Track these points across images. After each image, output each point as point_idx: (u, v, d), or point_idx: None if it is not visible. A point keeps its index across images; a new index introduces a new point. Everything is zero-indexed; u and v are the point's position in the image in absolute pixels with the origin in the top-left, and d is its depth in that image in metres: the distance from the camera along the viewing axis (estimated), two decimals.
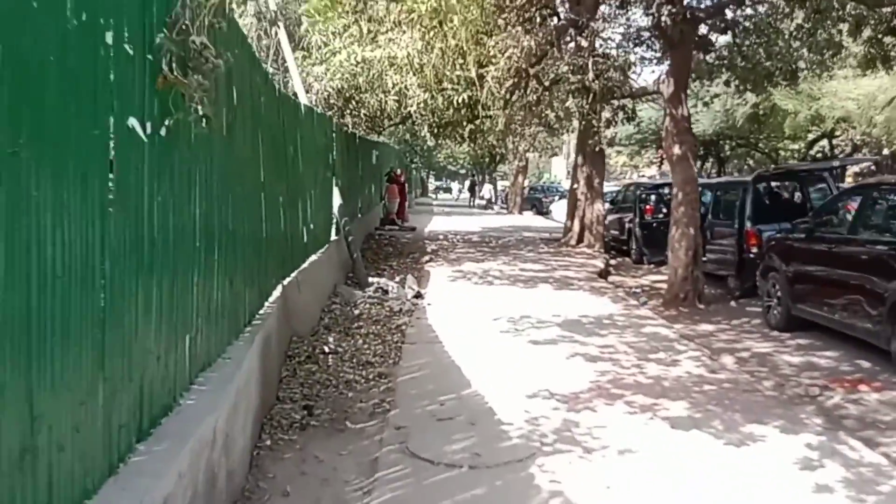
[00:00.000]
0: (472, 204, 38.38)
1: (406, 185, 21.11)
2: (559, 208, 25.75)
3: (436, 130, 14.00)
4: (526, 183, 32.06)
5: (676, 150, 10.05)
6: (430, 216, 26.09)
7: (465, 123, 14.14)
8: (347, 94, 11.76)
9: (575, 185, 15.98)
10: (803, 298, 7.79)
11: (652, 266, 14.15)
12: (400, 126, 18.33)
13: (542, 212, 29.51)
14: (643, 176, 52.25)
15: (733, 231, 10.61)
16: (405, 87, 9.62)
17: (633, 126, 19.46)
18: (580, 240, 15.79)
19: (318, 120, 8.86)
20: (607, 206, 16.52)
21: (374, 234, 16.73)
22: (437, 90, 8.68)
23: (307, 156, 7.87)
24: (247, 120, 4.59)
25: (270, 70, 9.14)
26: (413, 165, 43.39)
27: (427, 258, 13.58)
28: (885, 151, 33.25)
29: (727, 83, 19.28)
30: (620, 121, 14.17)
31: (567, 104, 12.20)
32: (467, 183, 42.78)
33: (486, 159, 41.53)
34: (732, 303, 10.40)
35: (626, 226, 15.71)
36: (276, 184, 6.04)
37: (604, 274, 12.75)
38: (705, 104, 26.76)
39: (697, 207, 10.24)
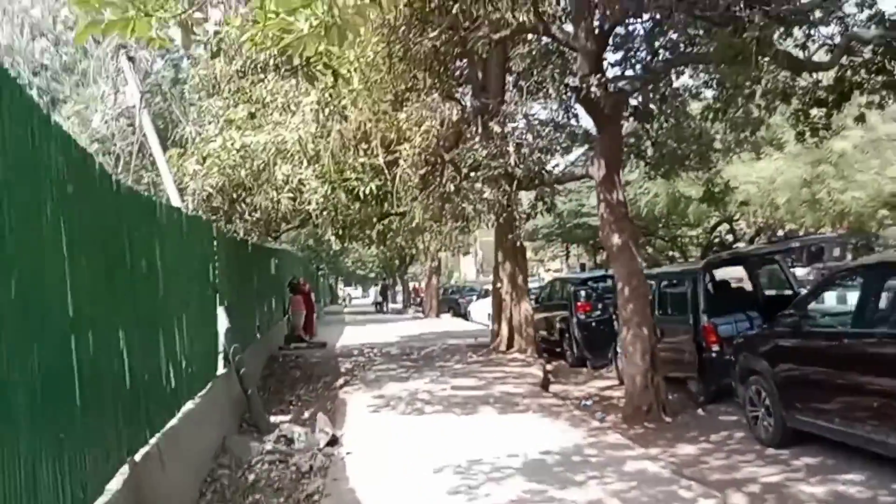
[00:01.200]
0: (385, 309, 36.55)
1: (311, 294, 19.15)
2: (478, 309, 24.40)
3: (340, 232, 12.45)
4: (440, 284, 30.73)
5: (616, 239, 8.84)
6: (341, 326, 24.02)
7: (373, 221, 12.65)
8: (232, 194, 10.02)
9: (498, 285, 14.63)
10: (802, 408, 6.44)
11: (592, 371, 12.75)
12: (300, 230, 16.55)
13: (460, 314, 28.08)
14: (549, 270, 52.44)
15: (687, 327, 9.36)
16: (299, 180, 8.02)
17: (551, 217, 18.63)
18: (510, 344, 14.26)
19: (191, 225, 7.06)
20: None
21: (277, 355, 14.56)
22: (338, 182, 7.15)
23: (173, 271, 6.00)
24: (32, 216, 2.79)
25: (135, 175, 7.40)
26: (320, 272, 41.38)
27: (341, 381, 11.58)
28: (781, 232, 34.56)
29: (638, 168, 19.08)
30: (540, 212, 13.12)
31: (486, 195, 10.95)
32: (374, 289, 41.16)
33: (396, 261, 40.26)
34: (700, 411, 9.01)
35: (557, 325, 14.38)
36: (113, 314, 4.16)
37: (545, 384, 11.18)
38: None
39: (647, 303, 8.98)
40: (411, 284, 41.18)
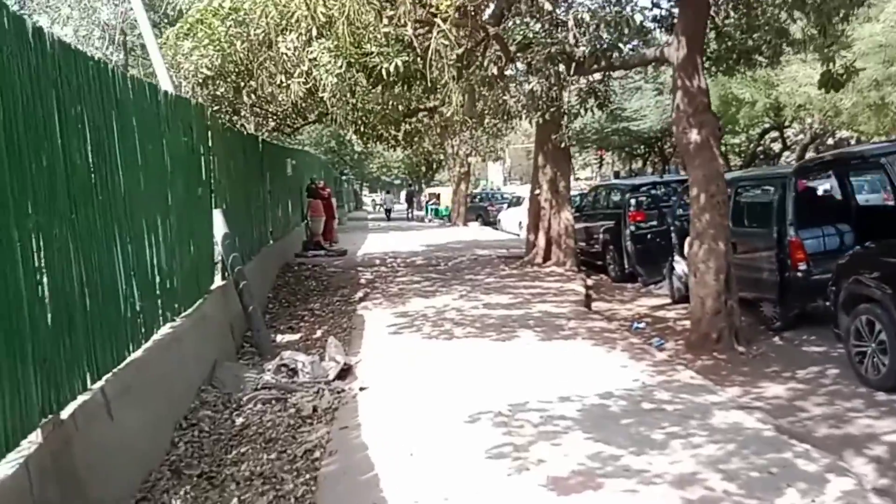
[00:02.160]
0: (409, 216, 35.31)
1: (332, 199, 17.84)
2: (509, 218, 22.99)
3: (362, 129, 10.97)
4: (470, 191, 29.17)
5: (693, 135, 7.28)
6: (363, 233, 22.82)
7: (399, 118, 11.13)
8: (234, 77, 8.50)
9: (536, 191, 13.13)
10: None
11: (639, 287, 11.42)
12: (317, 126, 14.89)
13: (489, 222, 26.68)
14: (578, 179, 50.28)
15: (767, 241, 7.89)
16: (310, 59, 6.48)
17: (593, 117, 16.79)
18: (547, 256, 12.92)
19: (174, 108, 5.64)
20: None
21: (293, 263, 13.42)
22: (356, 57, 5.62)
23: (141, 164, 4.66)
24: None
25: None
26: (344, 177, 40.02)
27: (360, 294, 10.40)
28: (830, 141, 32.09)
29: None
30: (591, 107, 11.42)
31: (532, 85, 9.29)
32: (403, 193, 39.79)
33: (423, 167, 38.69)
34: (776, 339, 7.70)
35: (601, 237, 12.96)
36: (22, 216, 2.86)
37: (587, 302, 9.91)
38: (659, 92, 24.52)
39: (727, 213, 7.49)
40: (426, 192, 39.62)
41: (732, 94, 26.35)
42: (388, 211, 36.75)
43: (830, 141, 33.98)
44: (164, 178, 5.36)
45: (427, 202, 36.14)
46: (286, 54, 7.00)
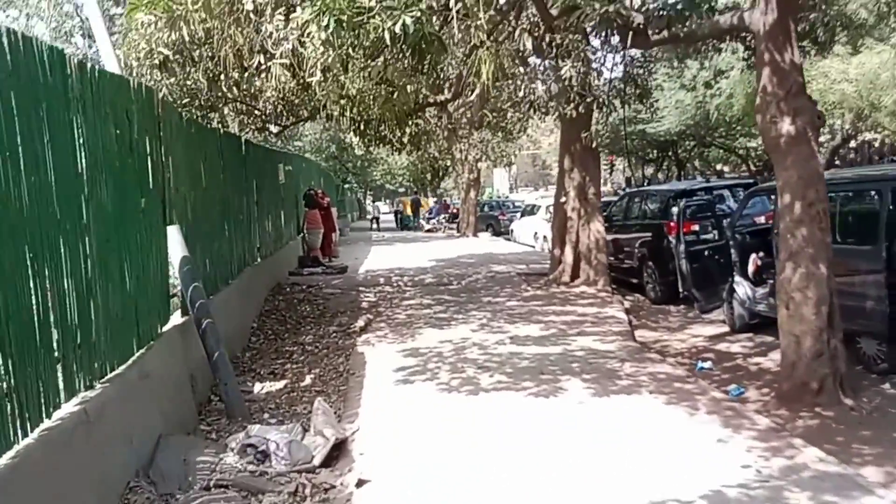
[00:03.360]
0: (415, 225, 33.70)
1: (331, 209, 16.22)
2: (523, 228, 21.33)
3: (361, 127, 9.42)
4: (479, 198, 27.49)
5: (786, 125, 5.68)
6: (367, 246, 21.20)
7: (404, 114, 9.51)
8: (210, 67, 6.91)
9: (562, 199, 11.49)
10: None
11: (685, 311, 9.78)
12: (314, 129, 13.13)
13: (500, 232, 25.05)
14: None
15: (872, 262, 6.25)
16: (292, 25, 4.89)
17: (618, 117, 15.14)
18: (575, 274, 11.27)
19: (92, 85, 4.02)
20: None
21: (285, 283, 11.79)
22: (348, 13, 4.02)
23: (26, 163, 3.06)
24: None
25: None
26: (346, 185, 38.45)
27: (361, 323, 8.77)
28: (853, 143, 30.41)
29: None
30: (629, 99, 9.82)
31: (564, 69, 7.67)
32: (406, 202, 38.21)
33: (428, 174, 37.13)
34: (886, 385, 6.08)
35: (636, 251, 11.33)
36: None
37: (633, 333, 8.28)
38: (685, 88, 22.81)
39: (828, 227, 5.85)
40: (431, 200, 37.95)
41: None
42: (375, 219, 35.49)
43: (852, 143, 32.32)
44: (76, 184, 3.75)
45: (395, 209, 35.89)
46: (264, 26, 5.40)
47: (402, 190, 46.91)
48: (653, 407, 5.09)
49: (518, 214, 23.38)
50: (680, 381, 5.76)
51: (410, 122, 13.09)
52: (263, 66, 6.30)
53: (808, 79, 24.19)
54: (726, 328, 8.58)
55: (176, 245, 5.46)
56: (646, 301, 10.95)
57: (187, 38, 5.87)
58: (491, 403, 5.25)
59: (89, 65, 4.11)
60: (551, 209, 19.49)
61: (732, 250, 8.43)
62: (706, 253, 8.54)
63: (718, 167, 42.30)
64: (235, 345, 7.50)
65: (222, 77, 7.80)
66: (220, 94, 8.18)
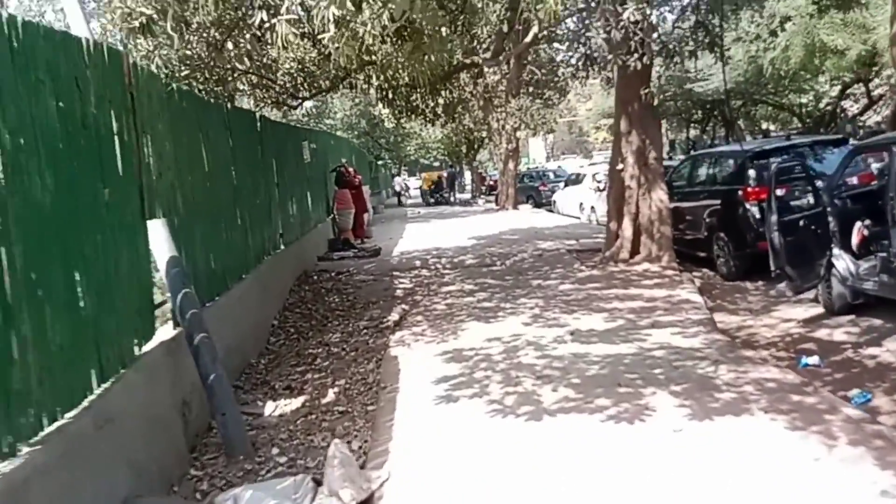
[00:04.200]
0: (452, 200, 32.53)
1: (362, 187, 15.12)
2: (567, 199, 19.98)
3: (390, 97, 8.32)
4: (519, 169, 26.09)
5: None
6: (401, 224, 20.12)
7: (439, 77, 8.34)
8: (210, 34, 5.81)
9: (619, 166, 10.15)
10: None
11: (767, 289, 8.48)
12: (343, 102, 11.82)
13: (541, 204, 23.70)
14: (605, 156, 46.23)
15: None
16: None
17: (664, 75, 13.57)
18: (635, 250, 9.99)
19: (12, 42, 2.96)
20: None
21: (313, 270, 10.76)
22: None
23: None
24: None
25: None
26: (380, 162, 37.35)
27: (395, 316, 7.69)
28: None
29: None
30: (699, 46, 8.38)
31: (627, 12, 6.39)
32: (444, 175, 36.98)
33: (464, 147, 35.75)
34: None
35: (704, 221, 9.98)
36: None
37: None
38: (741, 40, 20.93)
39: None
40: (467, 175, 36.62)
41: (821, 41, 22.69)
42: (398, 195, 34.29)
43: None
44: (20, 169, 2.70)
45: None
46: None
47: (436, 164, 45.63)
48: (773, 435, 3.88)
49: (561, 184, 22.00)
50: (797, 393, 4.51)
51: (443, 90, 11.90)
52: (267, 24, 5.17)
53: (874, 24, 22.06)
54: (820, 309, 7.28)
55: (162, 243, 4.42)
56: (716, 277, 9.64)
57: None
58: (558, 432, 4.10)
59: (4, 12, 3.02)
60: (597, 177, 18.16)
61: (831, 219, 7.08)
62: (801, 223, 7.17)
63: (764, 126, 39.96)
64: (250, 349, 6.51)
65: (229, 45, 6.72)
66: (227, 65, 7.07)
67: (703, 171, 10.81)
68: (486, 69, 15.43)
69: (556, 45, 15.32)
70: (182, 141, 5.19)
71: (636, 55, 7.36)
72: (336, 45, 4.74)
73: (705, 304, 7.52)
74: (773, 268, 7.25)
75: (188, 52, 6.48)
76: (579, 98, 47.53)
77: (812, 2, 13.82)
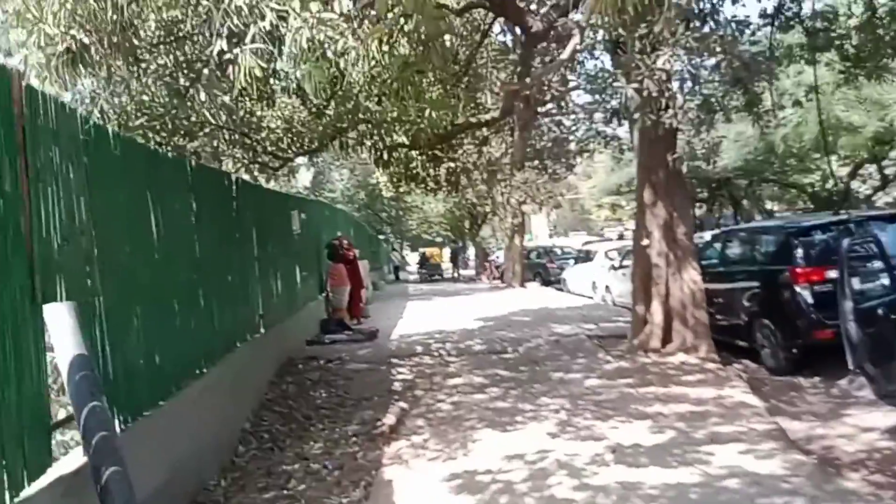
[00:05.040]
0: (456, 276, 31.42)
1: (357, 262, 13.95)
2: (577, 277, 18.84)
3: (384, 157, 7.35)
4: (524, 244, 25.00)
5: None
6: (402, 301, 18.88)
7: (440, 144, 7.36)
8: (169, 67, 4.79)
9: (644, 241, 9.03)
10: None
11: (827, 386, 7.23)
12: (335, 174, 10.65)
13: (549, 281, 22.54)
14: (624, 232, 45.50)
15: None
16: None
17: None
18: (667, 338, 8.72)
19: None
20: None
21: (299, 357, 9.44)
22: None
23: None
24: None
25: None
26: (382, 236, 36.43)
27: (392, 419, 6.36)
28: None
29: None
30: (734, 107, 7.36)
31: (659, 61, 5.43)
32: (446, 251, 36.05)
33: (467, 221, 34.94)
34: None
35: (743, 305, 8.79)
36: None
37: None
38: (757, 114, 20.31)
39: None
40: (468, 252, 35.78)
41: (836, 118, 22.10)
42: (396, 269, 33.62)
43: None
44: None
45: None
46: None
47: (439, 239, 44.81)
48: None
49: (571, 261, 20.90)
50: None
51: (444, 156, 10.95)
52: (228, 55, 4.13)
53: (890, 101, 21.43)
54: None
55: (65, 336, 3.19)
56: (761, 370, 8.36)
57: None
58: None
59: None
60: (612, 255, 17.07)
61: None
62: (880, 312, 5.95)
63: (769, 206, 39.32)
64: (208, 466, 5.17)
65: (199, 94, 5.69)
66: (196, 117, 6.03)
67: (736, 249, 9.70)
68: (490, 138, 14.61)
69: (573, 103, 14.52)
70: (115, 200, 4.04)
71: (670, 111, 6.34)
72: (306, 69, 3.69)
73: (767, 409, 6.21)
74: (851, 365, 5.97)
75: (145, 98, 5.47)
76: (580, 177, 47.24)
77: (839, 71, 13.02)
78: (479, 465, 4.84)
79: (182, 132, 6.56)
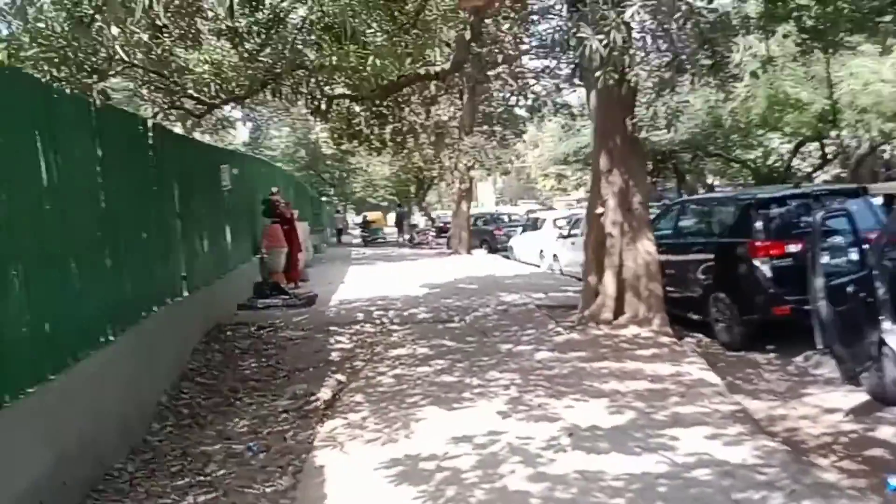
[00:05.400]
0: (401, 240, 30.79)
1: (295, 223, 13.13)
2: (524, 245, 18.47)
3: (323, 106, 6.62)
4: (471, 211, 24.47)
5: None
6: (343, 266, 18.15)
7: (384, 95, 6.67)
8: None
9: (599, 209, 8.60)
10: None
11: (782, 362, 7.04)
12: (250, 101, 9.72)
13: (496, 249, 22.15)
14: (576, 203, 45.61)
15: None
16: None
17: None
18: (619, 309, 8.37)
19: None
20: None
21: (228, 324, 8.70)
22: None
23: None
24: None
25: None
26: (325, 198, 35.29)
27: (328, 392, 5.80)
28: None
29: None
30: (704, 69, 6.95)
31: (628, 12, 4.90)
32: (391, 216, 35.29)
33: (413, 186, 34.24)
34: None
35: (697, 277, 8.52)
36: None
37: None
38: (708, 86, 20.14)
39: None
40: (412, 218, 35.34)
41: (785, 93, 22.21)
42: (339, 231, 33.38)
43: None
44: None
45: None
46: None
47: (384, 204, 43.92)
48: None
49: (518, 229, 20.52)
50: None
51: (390, 114, 10.27)
52: None
53: (836, 79, 21.66)
54: (863, 395, 5.76)
55: None
56: (715, 344, 8.12)
57: None
58: None
59: None
60: (560, 223, 16.73)
61: (879, 284, 5.59)
62: (850, 289, 5.66)
63: (709, 180, 39.91)
64: (113, 447, 4.51)
65: (109, 26, 4.85)
66: (101, 51, 5.17)
67: (691, 220, 9.40)
68: (438, 99, 13.92)
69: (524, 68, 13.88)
70: None
71: (636, 69, 5.84)
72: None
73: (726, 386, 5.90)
74: (819, 345, 5.69)
75: (40, 26, 4.61)
76: (526, 146, 46.98)
77: (796, 43, 12.81)
78: (423, 449, 4.33)
79: (88, 69, 5.69)
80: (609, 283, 8.47)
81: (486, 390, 5.68)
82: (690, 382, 5.86)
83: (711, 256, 8.43)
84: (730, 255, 8.03)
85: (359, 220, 38.98)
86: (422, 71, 8.15)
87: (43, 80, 4.94)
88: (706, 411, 5.07)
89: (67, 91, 4.96)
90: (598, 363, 6.51)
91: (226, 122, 26.02)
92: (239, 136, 29.94)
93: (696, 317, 8.67)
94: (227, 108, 12.30)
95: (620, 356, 6.79)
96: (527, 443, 4.37)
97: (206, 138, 14.85)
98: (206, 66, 7.25)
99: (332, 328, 8.73)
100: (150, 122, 6.52)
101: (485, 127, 21.45)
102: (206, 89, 7.69)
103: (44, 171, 4.01)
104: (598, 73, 6.48)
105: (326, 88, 7.32)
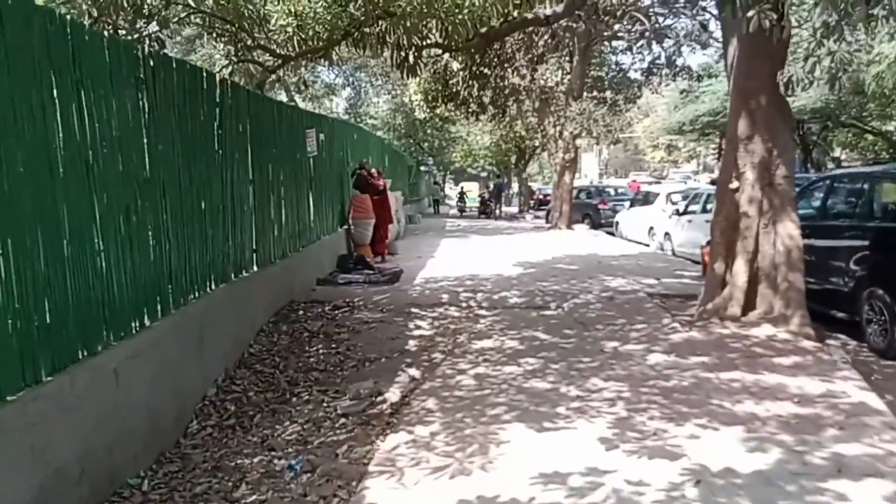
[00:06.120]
0: (497, 214, 29.74)
1: (387, 193, 12.39)
2: (632, 221, 16.98)
3: (410, 58, 5.74)
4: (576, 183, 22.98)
5: None
6: (436, 238, 17.34)
7: (484, 46, 5.64)
8: None
9: (733, 183, 7.23)
10: None
11: None
12: (365, 91, 8.80)
13: (599, 224, 20.70)
14: (691, 178, 42.72)
15: None
16: None
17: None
18: (749, 304, 7.04)
19: None
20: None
21: (303, 301, 8.03)
22: None
23: None
24: None
25: None
26: (424, 168, 34.64)
27: (397, 392, 4.96)
28: None
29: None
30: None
31: None
32: (488, 187, 34.19)
33: (513, 156, 32.98)
34: None
35: (849, 268, 7.03)
36: None
37: None
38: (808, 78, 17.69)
39: None
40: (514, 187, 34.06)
41: None
42: (436, 202, 32.90)
43: None
44: None
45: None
46: None
47: (483, 174, 42.83)
48: None
49: (626, 203, 18.99)
50: None
51: (492, 73, 9.18)
52: None
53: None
54: None
55: None
56: (862, 348, 6.68)
57: None
58: None
59: None
60: (675, 198, 15.14)
61: None
62: None
63: (836, 153, 35.97)
64: (136, 456, 3.84)
65: None
66: None
67: (842, 199, 7.84)
68: (545, 57, 12.62)
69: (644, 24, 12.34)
70: None
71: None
72: None
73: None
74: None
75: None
76: (636, 115, 44.55)
77: None
78: (502, 490, 3.39)
79: (146, 14, 5.00)
80: (740, 272, 7.12)
81: (587, 405, 4.63)
82: (849, 408, 4.57)
83: (867, 244, 6.92)
84: (893, 244, 6.54)
85: (458, 189, 38.30)
86: (529, 15, 6.98)
87: (79, 21, 4.27)
88: (878, 453, 3.82)
89: (105, 34, 4.26)
90: (726, 373, 5.31)
91: (328, 90, 25.77)
92: (340, 104, 29.73)
93: (840, 315, 7.23)
94: (328, 74, 11.63)
95: (754, 365, 5.54)
96: (640, 492, 3.32)
97: (304, 104, 14.32)
98: (290, 20, 6.48)
99: (413, 310, 7.90)
100: (217, 77, 5.80)
101: (595, 92, 19.92)
102: (288, 43, 6.93)
103: (59, 126, 3.32)
104: (750, 13, 5.20)
105: (416, 39, 6.35)
